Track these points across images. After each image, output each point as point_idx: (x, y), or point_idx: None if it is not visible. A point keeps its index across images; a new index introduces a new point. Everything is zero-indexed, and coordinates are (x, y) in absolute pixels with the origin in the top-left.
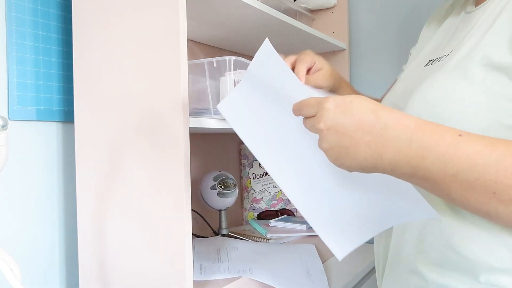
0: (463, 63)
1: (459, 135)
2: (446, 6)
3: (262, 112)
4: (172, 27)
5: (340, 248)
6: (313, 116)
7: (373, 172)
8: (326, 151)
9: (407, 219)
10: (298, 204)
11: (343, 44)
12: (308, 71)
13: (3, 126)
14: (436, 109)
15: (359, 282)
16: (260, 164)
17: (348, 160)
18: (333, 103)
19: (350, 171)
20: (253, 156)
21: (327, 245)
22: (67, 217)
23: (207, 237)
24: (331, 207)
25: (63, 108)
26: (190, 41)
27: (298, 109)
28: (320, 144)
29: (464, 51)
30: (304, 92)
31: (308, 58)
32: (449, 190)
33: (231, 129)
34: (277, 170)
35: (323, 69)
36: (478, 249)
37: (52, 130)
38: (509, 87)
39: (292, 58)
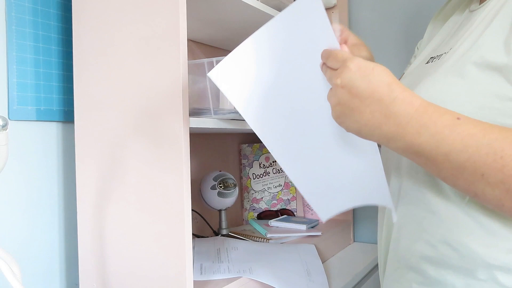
0: (459, 63)
1: (458, 118)
2: (453, 3)
3: (272, 68)
4: (172, 27)
5: (325, 212)
6: (334, 69)
7: (369, 139)
8: (333, 106)
9: (371, 202)
10: (288, 168)
11: None
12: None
13: (3, 126)
14: None
15: (359, 282)
16: (260, 164)
17: (350, 120)
18: (356, 65)
19: (348, 131)
20: (253, 156)
21: (313, 208)
22: (67, 217)
23: (207, 237)
24: (322, 172)
25: (63, 108)
26: (190, 41)
27: (325, 56)
28: (329, 97)
29: (461, 50)
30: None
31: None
32: (440, 168)
33: (231, 129)
34: (273, 136)
35: (360, 43)
36: (475, 246)
37: (52, 130)
38: (504, 87)
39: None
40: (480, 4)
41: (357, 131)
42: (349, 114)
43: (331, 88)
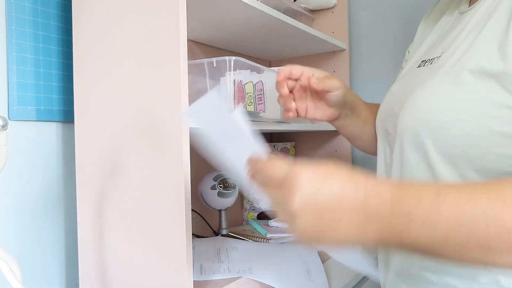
0: (455, 70)
1: (436, 193)
2: (442, 4)
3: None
4: (172, 27)
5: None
6: (274, 189)
7: (355, 247)
8: (300, 235)
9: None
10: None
11: (343, 44)
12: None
13: (3, 126)
14: (427, 117)
15: (359, 282)
16: None
17: (325, 241)
18: (306, 177)
19: (327, 250)
20: None
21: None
22: (67, 217)
23: (207, 237)
24: None
25: (63, 108)
26: (190, 41)
27: (254, 167)
28: (291, 228)
29: (455, 56)
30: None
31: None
32: (441, 254)
33: None
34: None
35: (328, 75)
36: None
37: (52, 130)
38: (500, 94)
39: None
40: (469, 6)
41: (338, 247)
42: (321, 237)
43: (283, 216)
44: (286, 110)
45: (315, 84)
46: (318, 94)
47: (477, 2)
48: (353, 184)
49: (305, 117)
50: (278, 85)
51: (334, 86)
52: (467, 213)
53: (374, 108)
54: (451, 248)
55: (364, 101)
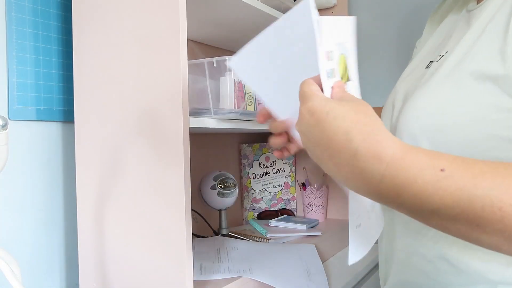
0: (456, 72)
1: (441, 170)
2: (450, 0)
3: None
4: (172, 27)
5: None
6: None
7: (346, 186)
8: (304, 146)
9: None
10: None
11: None
12: None
13: (3, 126)
14: (428, 119)
15: (359, 282)
16: (260, 164)
17: (322, 165)
18: (309, 111)
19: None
20: (253, 156)
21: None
22: (67, 217)
23: (207, 237)
24: None
25: (63, 108)
26: (190, 41)
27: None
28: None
29: (457, 57)
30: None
31: None
32: (427, 221)
33: (231, 129)
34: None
35: None
36: (474, 262)
37: (52, 130)
38: (500, 98)
39: None
40: (478, 3)
41: (333, 176)
42: (319, 160)
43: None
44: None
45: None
46: None
47: (484, 0)
48: (348, 135)
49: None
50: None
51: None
52: (466, 193)
53: (376, 110)
54: (437, 218)
55: None
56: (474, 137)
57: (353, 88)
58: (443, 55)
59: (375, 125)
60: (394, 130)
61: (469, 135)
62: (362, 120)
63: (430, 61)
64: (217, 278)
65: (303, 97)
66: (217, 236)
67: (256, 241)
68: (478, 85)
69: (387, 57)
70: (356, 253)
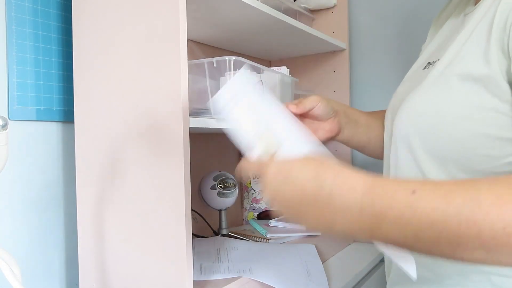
0: (444, 74)
1: (413, 192)
2: (451, 6)
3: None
4: (172, 27)
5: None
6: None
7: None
8: (283, 214)
9: None
10: None
11: (343, 44)
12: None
13: (3, 126)
14: (418, 119)
15: (359, 282)
16: None
17: (304, 225)
18: (273, 170)
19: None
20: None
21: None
22: (67, 217)
23: (207, 237)
24: None
25: (63, 108)
26: (190, 41)
27: (242, 170)
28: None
29: (446, 60)
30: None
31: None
32: (412, 248)
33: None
34: None
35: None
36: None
37: (52, 130)
38: (484, 97)
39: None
40: (474, 5)
41: (317, 230)
42: (297, 217)
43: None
44: None
45: (295, 108)
46: (308, 117)
47: (479, 3)
48: (318, 181)
49: None
50: None
51: (312, 100)
52: (440, 212)
53: (375, 114)
54: (421, 244)
55: (361, 110)
56: (461, 136)
57: (290, 147)
58: (439, 59)
59: (336, 165)
60: (391, 132)
61: (456, 134)
62: (324, 165)
63: (428, 63)
64: (217, 278)
65: (261, 168)
66: (217, 236)
67: (256, 241)
68: (464, 86)
69: (387, 57)
70: (407, 263)
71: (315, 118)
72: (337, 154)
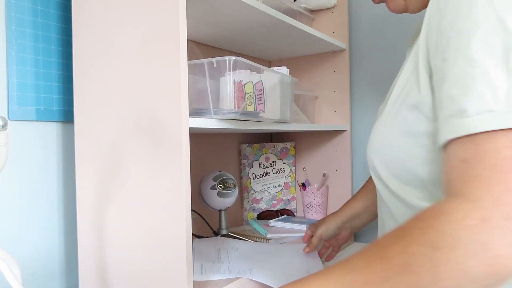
0: (390, 105)
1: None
2: (411, 36)
3: None
4: (172, 27)
5: None
6: None
7: None
8: None
9: None
10: None
11: (343, 44)
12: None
13: (3, 126)
14: (375, 150)
15: None
16: (260, 164)
17: None
18: None
19: None
20: (253, 156)
21: None
22: (67, 217)
23: (207, 237)
24: None
25: (63, 108)
26: (190, 41)
27: None
28: None
29: (393, 92)
30: None
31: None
32: None
33: (231, 129)
34: None
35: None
36: None
37: (52, 130)
38: (421, 121)
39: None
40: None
41: None
42: None
43: None
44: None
45: (307, 250)
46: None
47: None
48: None
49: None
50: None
51: (317, 237)
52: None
53: (365, 189)
54: None
55: (359, 194)
56: (401, 158)
57: None
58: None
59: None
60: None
61: (397, 156)
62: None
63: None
64: (217, 278)
65: None
66: (217, 237)
67: (256, 241)
68: (408, 114)
69: (387, 57)
70: None
71: (328, 241)
72: (337, 154)
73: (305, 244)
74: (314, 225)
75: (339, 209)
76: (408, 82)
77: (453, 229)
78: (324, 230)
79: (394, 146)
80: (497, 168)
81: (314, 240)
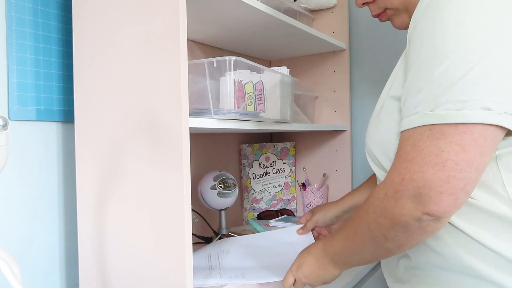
0: (383, 97)
1: (333, 236)
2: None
3: None
4: (172, 27)
5: None
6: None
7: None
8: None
9: None
10: None
11: (343, 44)
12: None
13: (3, 126)
14: (371, 138)
15: (359, 282)
16: (260, 164)
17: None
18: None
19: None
20: (253, 156)
21: None
22: (67, 217)
23: (203, 242)
24: None
25: (63, 108)
26: (190, 41)
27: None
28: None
29: (387, 85)
30: None
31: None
32: (356, 254)
33: (231, 129)
34: None
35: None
36: (462, 253)
37: (52, 130)
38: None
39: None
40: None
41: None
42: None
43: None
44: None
45: (301, 231)
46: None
47: None
48: (313, 255)
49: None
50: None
51: (313, 222)
52: (349, 231)
53: (368, 182)
54: (358, 252)
55: (360, 186)
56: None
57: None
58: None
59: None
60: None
61: (391, 144)
62: (308, 249)
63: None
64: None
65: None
66: (210, 243)
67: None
68: (393, 105)
69: (387, 57)
70: None
71: (319, 229)
72: (337, 154)
73: (299, 226)
74: (312, 210)
75: (341, 198)
76: (391, 77)
77: (373, 200)
78: (321, 216)
79: (385, 128)
80: (401, 158)
81: (309, 225)
